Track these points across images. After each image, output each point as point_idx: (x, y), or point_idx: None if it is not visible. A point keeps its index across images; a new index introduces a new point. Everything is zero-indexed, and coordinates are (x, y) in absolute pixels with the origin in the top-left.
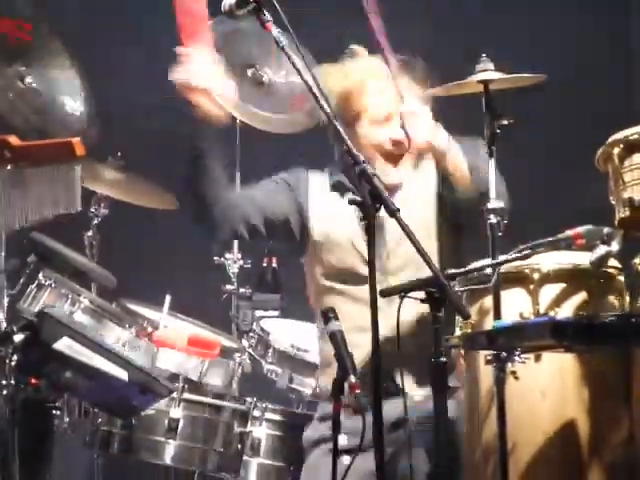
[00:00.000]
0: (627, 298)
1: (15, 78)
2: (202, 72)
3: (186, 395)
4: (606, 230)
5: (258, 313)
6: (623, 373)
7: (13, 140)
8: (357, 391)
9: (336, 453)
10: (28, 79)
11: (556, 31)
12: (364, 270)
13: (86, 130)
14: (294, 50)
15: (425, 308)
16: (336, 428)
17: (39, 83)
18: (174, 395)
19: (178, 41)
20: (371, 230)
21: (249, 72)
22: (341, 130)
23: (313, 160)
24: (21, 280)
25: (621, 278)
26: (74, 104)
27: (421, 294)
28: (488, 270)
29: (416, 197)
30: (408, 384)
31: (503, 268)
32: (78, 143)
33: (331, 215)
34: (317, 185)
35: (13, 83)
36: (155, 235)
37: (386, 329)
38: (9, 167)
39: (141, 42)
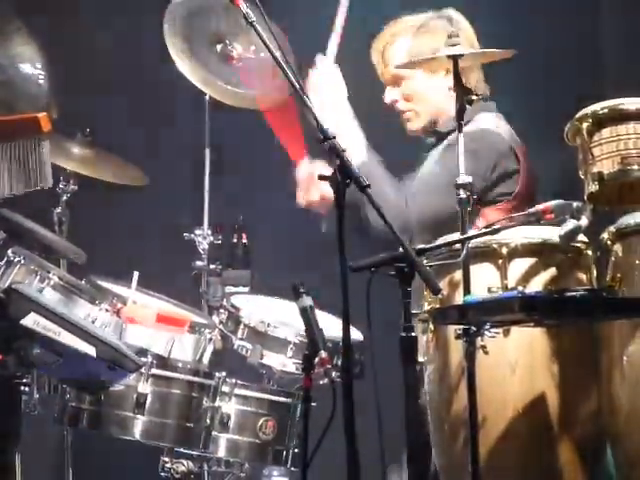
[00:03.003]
0: (595, 273)
1: None
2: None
3: (154, 371)
4: (575, 205)
5: (228, 289)
6: (591, 347)
7: None
8: (327, 365)
9: (307, 424)
10: None
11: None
12: None
13: (50, 105)
14: (263, 25)
15: None
16: (308, 400)
17: (1, 58)
18: (142, 370)
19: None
20: (341, 204)
21: (218, 47)
22: (310, 105)
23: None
24: None
25: (589, 253)
26: (36, 78)
27: (391, 269)
28: (457, 245)
29: None
30: None
31: (472, 243)
32: (44, 118)
33: None
34: None
35: None
36: (124, 211)
37: None
38: None
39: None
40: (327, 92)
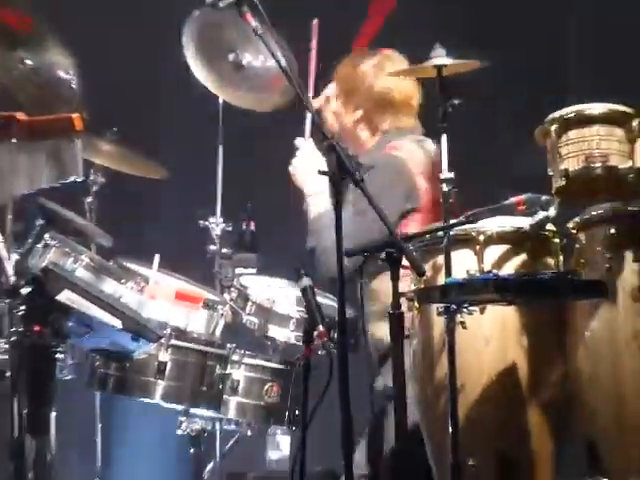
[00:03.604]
0: (561, 258)
1: (17, 61)
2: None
3: (173, 341)
4: (544, 198)
5: (238, 270)
6: (557, 323)
7: (20, 116)
8: (325, 338)
9: (307, 389)
10: (28, 61)
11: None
12: None
13: (82, 107)
14: (270, 37)
15: None
16: (307, 369)
17: (38, 64)
18: (162, 341)
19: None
20: (338, 198)
21: (230, 57)
22: (311, 108)
23: (293, 135)
24: (29, 240)
25: (556, 240)
26: (69, 81)
27: (382, 254)
28: (440, 233)
29: None
30: None
31: (453, 231)
32: (77, 118)
33: None
34: None
35: (17, 65)
36: (146, 201)
37: None
38: (14, 140)
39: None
40: (309, 178)
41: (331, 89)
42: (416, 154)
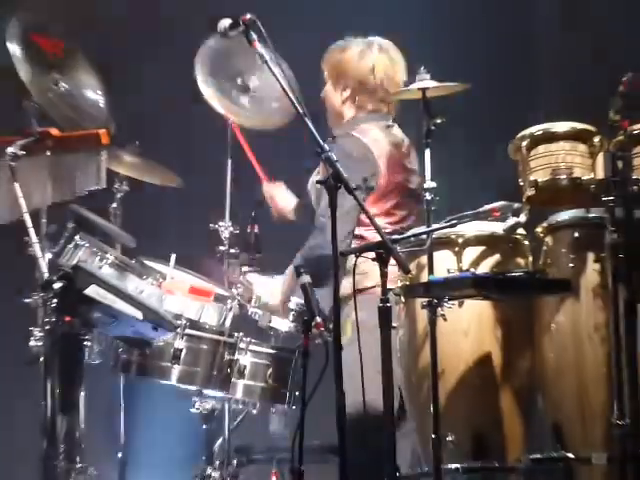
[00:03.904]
0: (530, 258)
1: (52, 83)
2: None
3: (187, 331)
4: (516, 205)
5: (244, 269)
6: (527, 316)
7: (53, 131)
8: (321, 329)
9: (305, 373)
10: (62, 83)
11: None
12: None
13: (107, 122)
14: (274, 62)
15: None
16: (306, 355)
17: (70, 86)
18: (178, 330)
19: None
20: (333, 202)
21: (238, 80)
22: (310, 125)
23: (293, 152)
24: (61, 241)
25: (526, 243)
26: (97, 101)
27: (372, 254)
28: (424, 236)
29: None
30: None
31: (435, 234)
32: (104, 133)
33: None
34: None
35: (51, 87)
36: (164, 207)
37: None
38: (48, 153)
39: (157, 56)
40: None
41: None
42: (380, 141)
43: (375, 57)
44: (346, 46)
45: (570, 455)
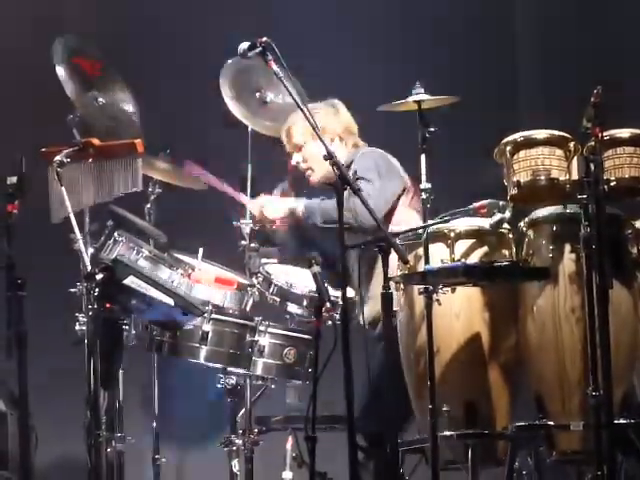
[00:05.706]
0: (514, 250)
1: (92, 99)
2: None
3: (214, 315)
4: (501, 203)
5: (263, 260)
6: (512, 300)
7: (95, 141)
8: (331, 313)
9: (317, 352)
10: (100, 99)
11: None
12: None
13: (142, 134)
14: (288, 80)
15: None
16: (318, 336)
17: (108, 101)
18: (205, 315)
19: None
20: (340, 201)
21: (257, 95)
22: (319, 135)
23: None
24: (102, 238)
25: (511, 236)
26: (132, 116)
27: (375, 246)
28: (420, 230)
29: None
30: None
31: (430, 229)
32: (139, 143)
33: None
34: None
35: (92, 102)
36: (192, 206)
37: None
38: (90, 160)
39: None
40: (279, 203)
41: (296, 157)
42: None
43: (341, 108)
44: (315, 108)
45: (551, 423)
